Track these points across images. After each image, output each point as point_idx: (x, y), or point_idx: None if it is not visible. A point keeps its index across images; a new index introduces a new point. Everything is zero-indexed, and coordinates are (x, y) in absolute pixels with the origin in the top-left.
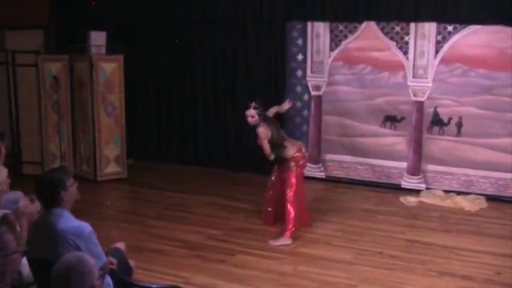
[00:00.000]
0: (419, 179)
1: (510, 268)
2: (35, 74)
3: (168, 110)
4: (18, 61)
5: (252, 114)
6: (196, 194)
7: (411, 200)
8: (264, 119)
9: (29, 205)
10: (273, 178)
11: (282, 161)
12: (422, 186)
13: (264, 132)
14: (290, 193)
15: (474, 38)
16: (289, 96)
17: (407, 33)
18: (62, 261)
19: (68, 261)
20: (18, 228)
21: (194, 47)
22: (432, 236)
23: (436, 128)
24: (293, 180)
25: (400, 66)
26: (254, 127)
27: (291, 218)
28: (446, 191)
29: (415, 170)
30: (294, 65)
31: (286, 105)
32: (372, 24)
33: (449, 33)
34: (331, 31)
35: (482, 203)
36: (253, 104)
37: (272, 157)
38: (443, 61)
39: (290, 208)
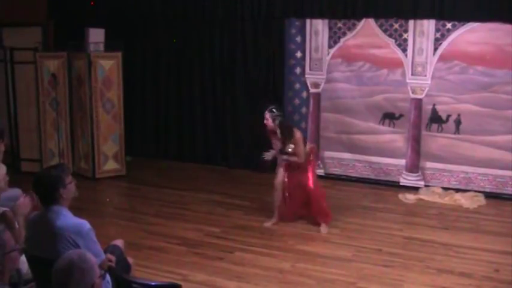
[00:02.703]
0: (418, 176)
1: (508, 265)
2: (33, 71)
3: (167, 107)
4: (17, 58)
5: (266, 117)
6: (195, 192)
7: (410, 197)
8: (280, 123)
9: (27, 203)
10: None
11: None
12: (421, 183)
13: (300, 138)
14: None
15: (473, 36)
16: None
17: (406, 31)
18: (63, 258)
19: (69, 258)
20: (17, 226)
21: (192, 45)
22: (431, 234)
23: (434, 126)
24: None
25: (398, 64)
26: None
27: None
28: (444, 188)
29: (413, 167)
30: (292, 62)
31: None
32: (371, 21)
33: (448, 30)
34: (330, 28)
35: (481, 200)
36: (270, 108)
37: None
38: (441, 58)
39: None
